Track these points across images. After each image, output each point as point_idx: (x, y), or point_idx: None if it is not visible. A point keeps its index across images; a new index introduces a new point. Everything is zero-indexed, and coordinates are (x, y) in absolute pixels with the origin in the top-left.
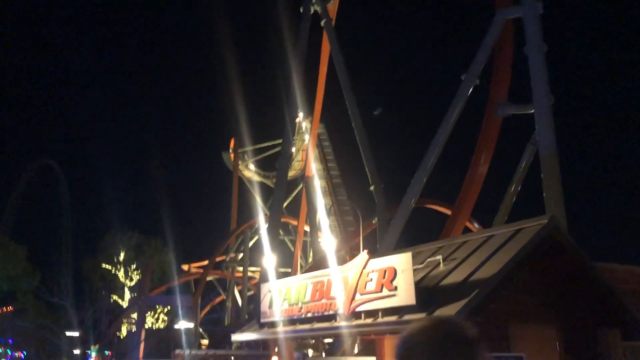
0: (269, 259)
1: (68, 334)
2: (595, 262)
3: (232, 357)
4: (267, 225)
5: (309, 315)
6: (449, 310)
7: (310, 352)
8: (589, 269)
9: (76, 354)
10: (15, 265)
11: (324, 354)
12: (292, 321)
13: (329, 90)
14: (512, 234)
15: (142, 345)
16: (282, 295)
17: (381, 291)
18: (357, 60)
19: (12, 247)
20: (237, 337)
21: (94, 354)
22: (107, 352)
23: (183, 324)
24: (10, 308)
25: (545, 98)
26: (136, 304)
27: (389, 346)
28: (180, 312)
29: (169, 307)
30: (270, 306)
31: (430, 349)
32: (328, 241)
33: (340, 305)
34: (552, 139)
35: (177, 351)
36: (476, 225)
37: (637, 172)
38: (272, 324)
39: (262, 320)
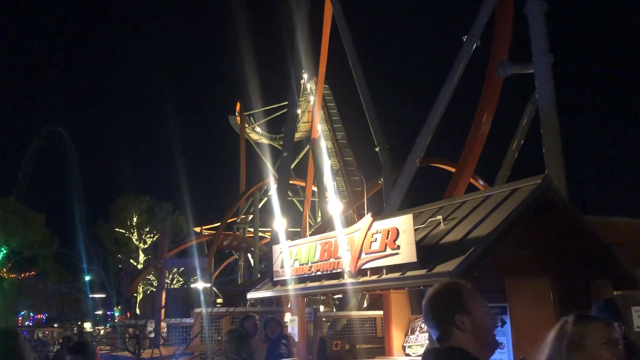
0: (280, 222)
1: (92, 295)
2: (591, 215)
3: (253, 314)
4: (275, 188)
5: (319, 273)
6: (448, 267)
7: (322, 307)
8: (581, 224)
9: (98, 315)
10: (35, 232)
11: (334, 309)
12: (302, 279)
13: (333, 51)
14: (508, 193)
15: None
16: (293, 255)
17: (385, 250)
18: (360, 21)
19: (31, 214)
20: (252, 294)
21: (117, 314)
22: (126, 313)
23: (201, 284)
24: (32, 273)
25: (545, 58)
26: (155, 268)
27: (394, 300)
28: (199, 273)
29: (182, 268)
30: (282, 266)
31: (433, 297)
32: (335, 203)
33: (347, 264)
34: (551, 97)
35: (197, 310)
36: (480, 181)
37: (635, 128)
38: (285, 282)
39: (274, 279)
